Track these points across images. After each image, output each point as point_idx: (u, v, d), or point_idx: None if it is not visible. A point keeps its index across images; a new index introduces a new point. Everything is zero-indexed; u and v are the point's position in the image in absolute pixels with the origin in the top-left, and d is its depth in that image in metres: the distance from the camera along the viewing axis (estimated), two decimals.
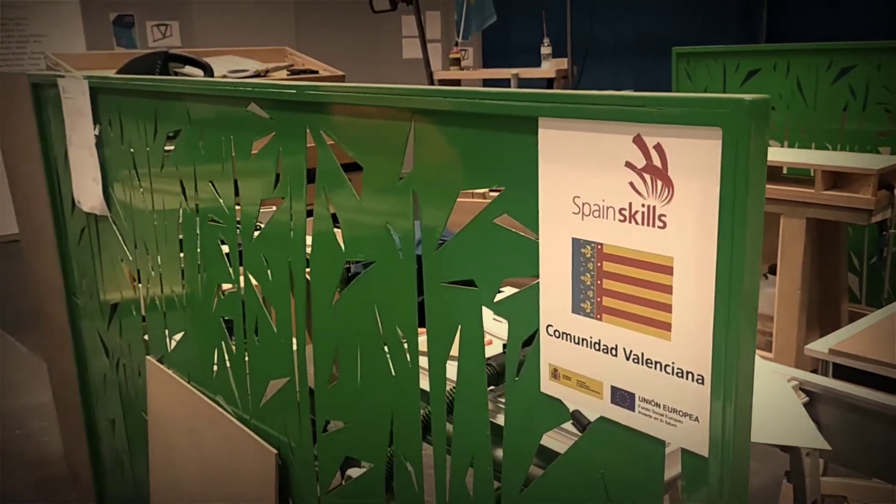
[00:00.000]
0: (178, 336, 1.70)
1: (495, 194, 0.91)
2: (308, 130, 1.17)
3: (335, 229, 1.17)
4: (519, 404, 0.93)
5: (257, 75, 3.48)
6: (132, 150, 1.69)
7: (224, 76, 3.07)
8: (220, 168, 1.39)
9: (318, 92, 1.13)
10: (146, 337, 1.83)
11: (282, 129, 1.22)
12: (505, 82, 4.84)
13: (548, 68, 4.65)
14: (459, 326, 0.98)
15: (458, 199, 0.96)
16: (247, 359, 1.45)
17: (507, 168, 0.89)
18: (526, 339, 0.91)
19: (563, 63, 4.64)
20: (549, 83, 4.71)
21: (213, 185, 1.43)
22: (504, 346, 0.95)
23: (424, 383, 1.07)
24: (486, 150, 0.91)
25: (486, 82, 5.84)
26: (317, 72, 3.75)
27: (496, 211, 0.91)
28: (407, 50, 8.77)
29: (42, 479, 2.81)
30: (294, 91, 1.16)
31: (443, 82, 4.91)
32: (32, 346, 4.02)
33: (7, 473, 2.86)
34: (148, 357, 1.81)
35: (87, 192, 1.88)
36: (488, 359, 1.01)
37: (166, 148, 1.57)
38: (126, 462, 2.13)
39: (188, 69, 2.81)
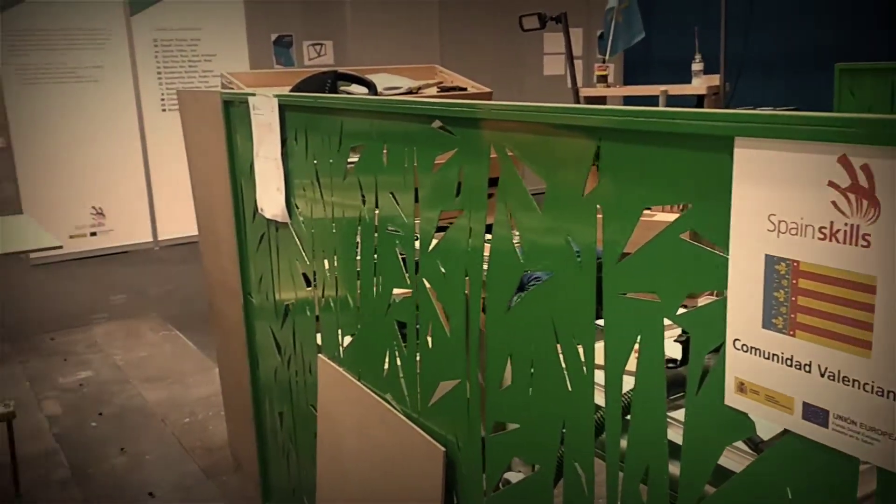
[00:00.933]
0: (349, 336, 1.82)
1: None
2: (492, 147, 1.24)
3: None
4: (700, 417, 0.95)
5: (410, 92, 3.64)
6: (315, 161, 1.83)
7: (380, 93, 3.24)
8: (402, 180, 1.49)
9: (505, 111, 1.20)
10: (319, 336, 1.97)
11: (465, 145, 1.30)
12: (652, 100, 4.79)
13: (699, 85, 4.56)
14: (639, 337, 1.02)
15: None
16: (418, 360, 1.54)
17: (696, 185, 0.92)
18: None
19: (715, 80, 4.54)
20: (699, 100, 4.62)
21: (394, 196, 1.53)
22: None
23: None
24: (674, 167, 0.94)
25: (630, 99, 5.79)
26: (465, 89, 3.87)
27: (683, 227, 0.95)
28: (548, 67, 8.83)
29: (208, 466, 3.04)
30: (480, 110, 1.24)
31: (588, 100, 4.92)
32: (198, 344, 4.35)
33: (175, 460, 3.11)
34: (319, 355, 1.94)
35: (271, 200, 2.05)
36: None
37: (349, 161, 1.69)
38: (292, 452, 2.28)
39: (353, 87, 2.99)
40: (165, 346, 4.39)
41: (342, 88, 2.96)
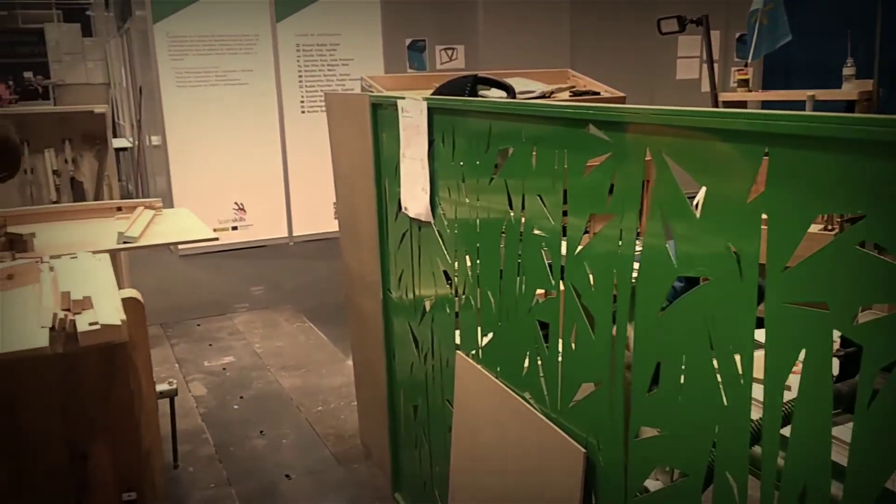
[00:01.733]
0: (488, 334, 1.86)
1: None
2: (648, 151, 1.24)
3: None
4: (870, 436, 0.92)
5: (543, 96, 3.65)
6: (462, 163, 1.88)
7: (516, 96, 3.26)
8: (551, 184, 1.51)
9: (663, 115, 1.20)
10: (457, 333, 2.02)
11: (619, 149, 1.31)
12: (795, 105, 4.58)
13: (849, 90, 4.33)
14: (804, 349, 1.00)
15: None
16: (560, 360, 1.55)
17: (872, 194, 0.89)
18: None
19: (868, 85, 4.29)
20: (848, 106, 4.38)
21: (542, 199, 1.56)
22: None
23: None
24: (847, 175, 0.92)
25: (771, 104, 5.56)
26: (598, 93, 3.84)
27: (857, 236, 0.92)
28: (681, 70, 8.59)
29: (339, 453, 3.17)
30: (639, 114, 1.25)
31: (727, 104, 4.76)
32: (330, 336, 4.53)
33: (310, 445, 3.26)
34: (458, 352, 2.00)
35: (416, 199, 2.12)
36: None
37: (496, 163, 1.73)
38: (425, 445, 2.35)
39: (492, 91, 3.04)
40: (300, 336, 4.59)
41: (481, 92, 3.01)
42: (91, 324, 1.69)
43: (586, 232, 1.45)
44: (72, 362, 1.85)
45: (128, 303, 1.94)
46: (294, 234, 7.03)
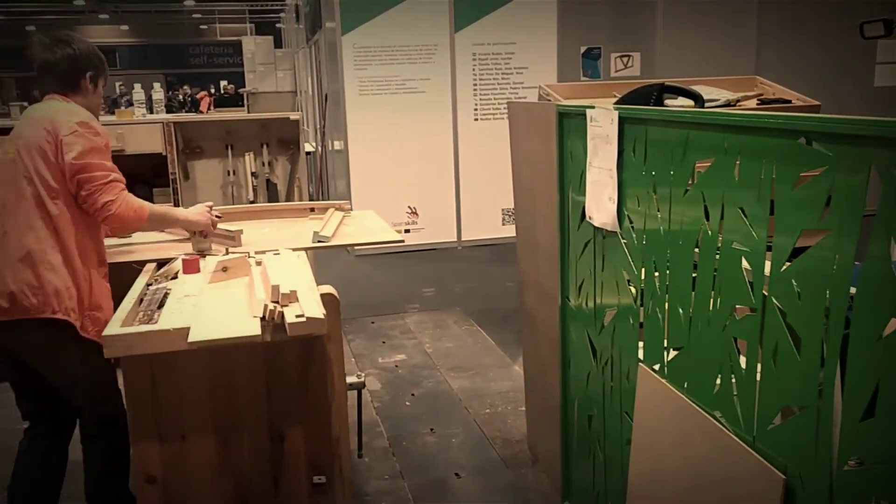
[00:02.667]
0: (675, 349, 1.82)
1: None
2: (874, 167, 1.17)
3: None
4: None
5: (728, 104, 3.50)
6: (653, 173, 1.86)
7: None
8: (755, 197, 1.46)
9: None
10: (641, 345, 1.99)
11: (839, 162, 1.24)
12: None
13: None
14: None
15: None
16: (758, 380, 1.49)
17: None
18: None
19: None
20: None
21: (743, 212, 1.51)
22: None
23: None
24: None
25: None
26: (789, 101, 3.62)
27: None
28: (880, 77, 7.94)
29: (507, 456, 3.20)
30: (862, 125, 1.18)
31: None
32: (497, 341, 4.59)
33: (478, 446, 3.32)
34: (641, 364, 1.97)
35: (602, 209, 2.11)
36: None
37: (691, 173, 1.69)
38: (599, 456, 2.33)
39: (679, 100, 2.96)
40: (468, 339, 4.69)
41: (667, 101, 2.95)
42: (298, 316, 1.83)
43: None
44: (277, 350, 2.01)
45: (325, 298, 2.08)
46: (462, 239, 7.18)
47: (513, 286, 4.66)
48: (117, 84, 22.31)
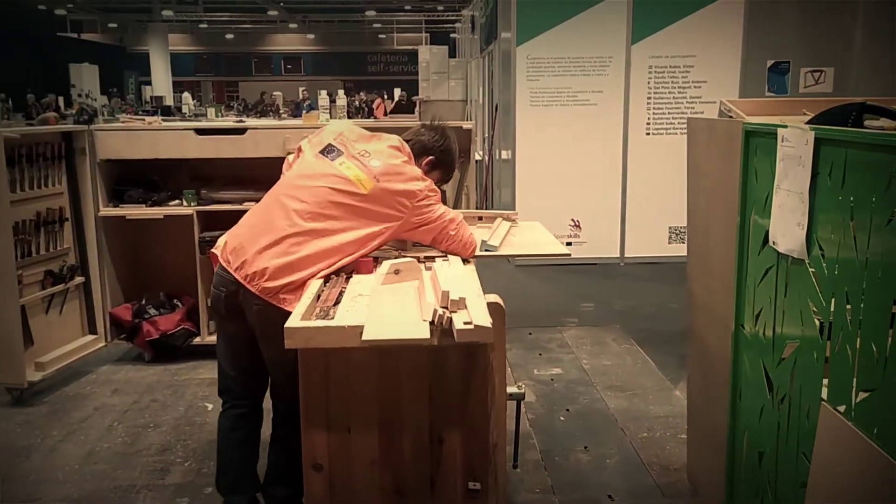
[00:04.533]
0: (866, 391, 1.67)
1: None
2: None
3: None
4: None
5: None
6: (852, 199, 1.73)
7: None
8: None
9: None
10: (825, 383, 1.86)
11: None
12: None
13: None
14: None
15: None
16: None
17: None
18: None
19: None
20: None
21: None
22: None
23: None
24: None
25: None
26: None
27: None
28: None
29: (664, 484, 3.09)
30: None
31: None
32: (658, 363, 4.44)
33: (633, 470, 3.22)
34: (824, 403, 1.83)
35: (789, 234, 1.99)
36: None
37: None
38: (769, 495, 2.19)
39: (882, 121, 2.73)
40: (627, 358, 4.57)
41: (867, 122, 2.73)
42: (466, 323, 1.86)
43: None
44: (442, 354, 2.06)
45: (492, 307, 2.10)
46: (626, 255, 7.01)
47: (678, 307, 4.49)
48: (300, 89, 23.75)
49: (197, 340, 4.55)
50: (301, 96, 22.13)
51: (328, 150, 2.53)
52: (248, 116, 14.37)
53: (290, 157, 2.70)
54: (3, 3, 24.46)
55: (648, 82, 6.76)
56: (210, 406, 3.87)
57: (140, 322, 4.46)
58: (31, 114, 15.83)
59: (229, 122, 5.24)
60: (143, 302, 4.56)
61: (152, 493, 3.05)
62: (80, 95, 17.58)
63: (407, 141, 2.65)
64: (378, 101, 18.14)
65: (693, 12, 6.60)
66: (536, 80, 6.70)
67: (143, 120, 5.08)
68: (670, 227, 6.87)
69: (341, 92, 4.97)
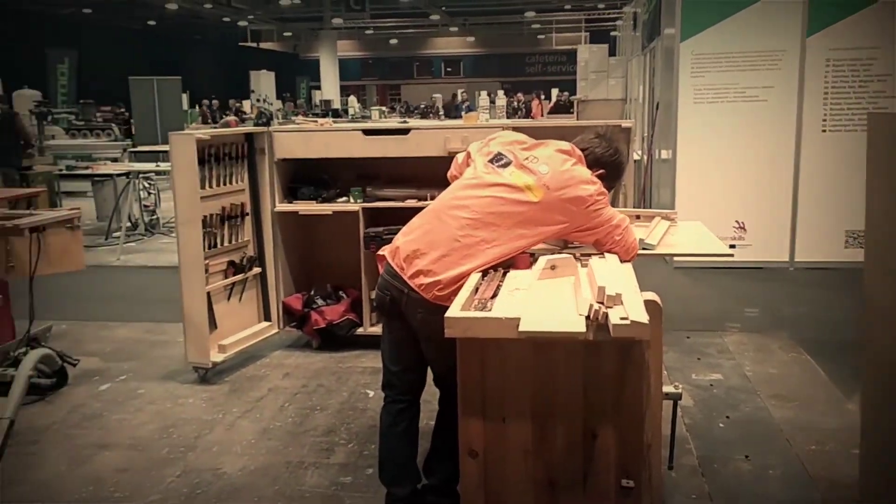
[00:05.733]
0: None
1: None
2: None
3: None
4: None
5: None
6: None
7: None
8: None
9: None
10: None
11: None
12: None
13: None
14: None
15: None
16: None
17: None
18: None
19: None
20: None
21: None
22: None
23: None
24: None
25: None
26: None
27: None
28: None
29: (830, 500, 2.93)
30: None
31: None
32: (829, 373, 4.19)
33: (799, 483, 3.07)
34: None
35: None
36: None
37: None
38: None
39: None
40: (794, 367, 4.34)
41: None
42: (622, 318, 1.87)
43: None
44: (597, 350, 2.08)
45: (648, 305, 2.09)
46: (795, 260, 6.63)
47: (852, 316, 4.21)
48: (459, 91, 24.24)
49: (360, 331, 4.79)
50: (459, 98, 22.59)
51: (497, 159, 2.59)
52: (410, 118, 14.87)
53: (460, 157, 2.79)
54: (192, 17, 26.71)
55: (825, 76, 6.35)
56: (371, 393, 4.08)
57: (309, 311, 4.76)
58: (211, 118, 17.21)
59: (394, 123, 5.47)
60: (312, 293, 4.86)
61: (319, 470, 3.27)
62: (258, 100, 18.90)
63: (582, 150, 2.66)
64: (536, 101, 18.22)
65: (876, 1, 6.13)
66: (701, 76, 6.48)
67: (316, 121, 5.42)
68: (847, 231, 6.42)
69: (501, 93, 5.04)
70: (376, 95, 36.41)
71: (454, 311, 2.07)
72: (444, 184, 2.88)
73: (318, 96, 27.29)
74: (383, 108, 21.05)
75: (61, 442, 3.53)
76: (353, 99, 24.44)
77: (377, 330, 4.74)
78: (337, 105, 23.31)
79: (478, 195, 2.50)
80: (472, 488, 2.24)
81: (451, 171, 2.83)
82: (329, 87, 28.54)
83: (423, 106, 21.27)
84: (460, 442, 2.23)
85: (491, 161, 2.58)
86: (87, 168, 9.20)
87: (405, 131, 4.58)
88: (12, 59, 14.32)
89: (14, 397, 2.01)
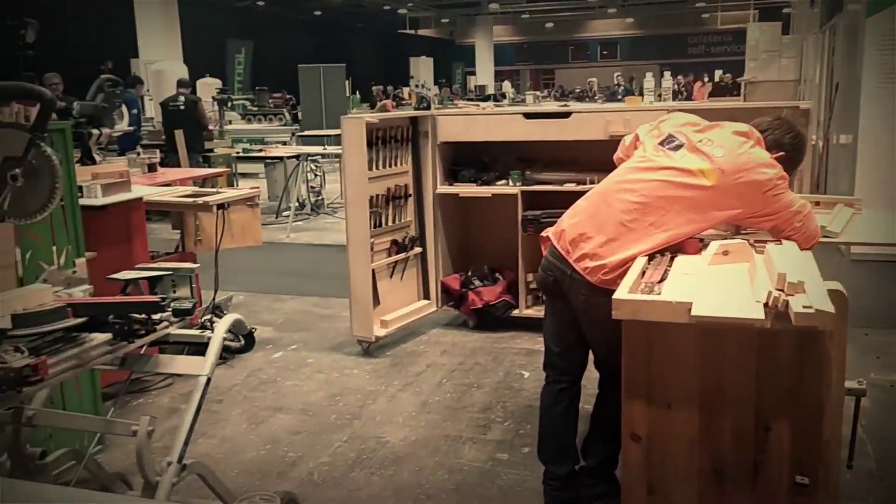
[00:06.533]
0: None
1: None
2: None
3: None
4: None
5: None
6: None
7: None
8: None
9: None
10: None
11: None
12: None
13: None
14: None
15: None
16: None
17: None
18: None
19: None
20: None
21: None
22: None
23: None
24: None
25: None
26: None
27: None
28: None
29: None
30: None
31: None
32: None
33: None
34: None
35: None
36: None
37: None
38: None
39: None
40: None
41: None
42: (805, 307, 1.79)
43: None
44: (772, 339, 2.00)
45: (832, 294, 1.98)
46: None
47: None
48: (616, 75, 23.66)
49: (515, 312, 4.84)
50: (616, 81, 22.06)
51: (668, 141, 2.52)
52: (565, 102, 14.72)
53: (627, 139, 2.75)
54: (355, 6, 27.68)
55: None
56: (526, 374, 4.12)
57: (466, 292, 4.86)
58: (374, 103, 17.84)
59: (554, 106, 5.45)
60: (470, 273, 4.96)
61: (476, 445, 3.35)
62: (416, 86, 19.37)
63: (761, 132, 2.55)
64: (699, 83, 17.46)
65: None
66: (889, 54, 5.97)
67: (478, 105, 5.50)
68: None
69: (667, 74, 4.88)
70: (529, 80, 36.23)
71: (622, 293, 2.06)
72: (604, 167, 2.84)
73: (472, 82, 27.58)
74: (537, 93, 20.96)
75: (241, 403, 3.84)
76: (507, 84, 24.49)
77: (532, 312, 4.79)
78: (491, 90, 23.46)
79: (647, 178, 2.45)
80: (634, 472, 2.23)
81: (618, 154, 2.79)
82: (483, 73, 28.76)
83: (577, 90, 20.97)
84: (623, 425, 2.22)
85: (661, 143, 2.52)
86: (260, 151, 9.81)
87: (566, 114, 4.56)
88: (196, 50, 15.48)
89: (211, 357, 2.20)
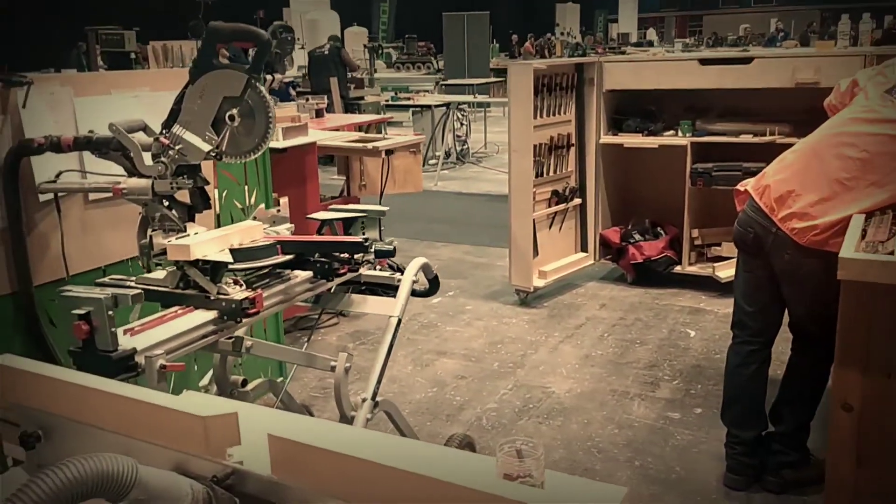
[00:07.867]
0: None
1: None
2: None
3: None
4: None
5: None
6: None
7: None
8: None
9: None
10: None
11: None
12: None
13: None
14: None
15: None
16: None
17: None
18: None
19: None
20: None
21: None
22: None
23: None
24: None
25: None
26: None
27: None
28: None
29: None
30: None
31: None
32: None
33: None
34: None
35: None
36: None
37: None
38: None
39: None
40: None
41: None
42: None
43: None
44: None
45: None
46: None
47: None
48: (773, 20, 22.12)
49: (677, 269, 4.67)
50: (773, 27, 20.64)
51: None
52: (718, 50, 13.90)
53: (843, 85, 2.52)
54: None
55: None
56: (692, 333, 3.97)
57: (626, 245, 4.73)
58: (514, 53, 17.57)
59: (734, 52, 5.13)
60: (630, 227, 4.81)
61: (645, 402, 3.28)
62: (562, 34, 18.89)
63: None
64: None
65: None
66: None
67: (647, 51, 5.26)
68: None
69: (867, 16, 4.47)
70: (675, 27, 34.54)
71: (848, 251, 1.90)
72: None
73: (614, 30, 26.59)
74: (686, 41, 19.95)
75: (406, 345, 3.93)
76: (651, 31, 23.44)
77: (696, 269, 4.60)
78: (634, 38, 22.53)
79: (870, 132, 2.24)
80: (842, 442, 2.08)
81: (830, 100, 2.57)
82: (626, 20, 27.63)
83: (732, 37, 19.77)
84: (833, 392, 2.08)
85: (889, 91, 2.29)
86: (408, 99, 9.90)
87: (748, 60, 4.27)
88: None
89: (401, 299, 2.23)
